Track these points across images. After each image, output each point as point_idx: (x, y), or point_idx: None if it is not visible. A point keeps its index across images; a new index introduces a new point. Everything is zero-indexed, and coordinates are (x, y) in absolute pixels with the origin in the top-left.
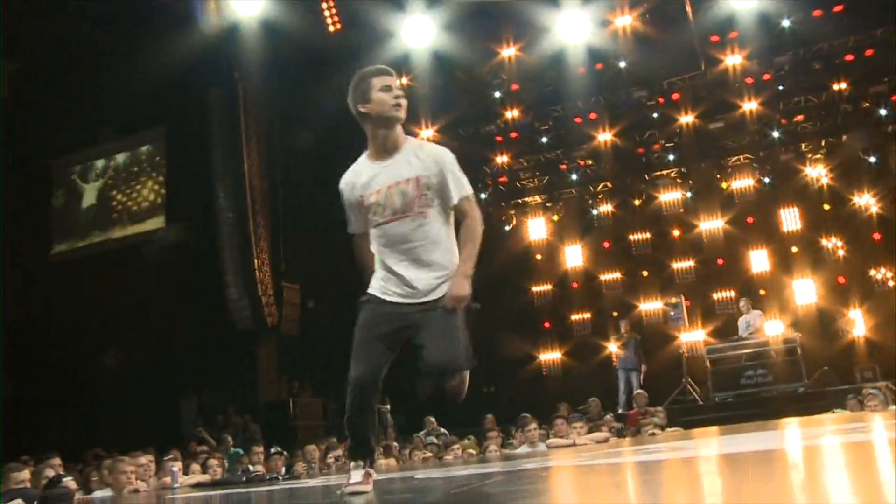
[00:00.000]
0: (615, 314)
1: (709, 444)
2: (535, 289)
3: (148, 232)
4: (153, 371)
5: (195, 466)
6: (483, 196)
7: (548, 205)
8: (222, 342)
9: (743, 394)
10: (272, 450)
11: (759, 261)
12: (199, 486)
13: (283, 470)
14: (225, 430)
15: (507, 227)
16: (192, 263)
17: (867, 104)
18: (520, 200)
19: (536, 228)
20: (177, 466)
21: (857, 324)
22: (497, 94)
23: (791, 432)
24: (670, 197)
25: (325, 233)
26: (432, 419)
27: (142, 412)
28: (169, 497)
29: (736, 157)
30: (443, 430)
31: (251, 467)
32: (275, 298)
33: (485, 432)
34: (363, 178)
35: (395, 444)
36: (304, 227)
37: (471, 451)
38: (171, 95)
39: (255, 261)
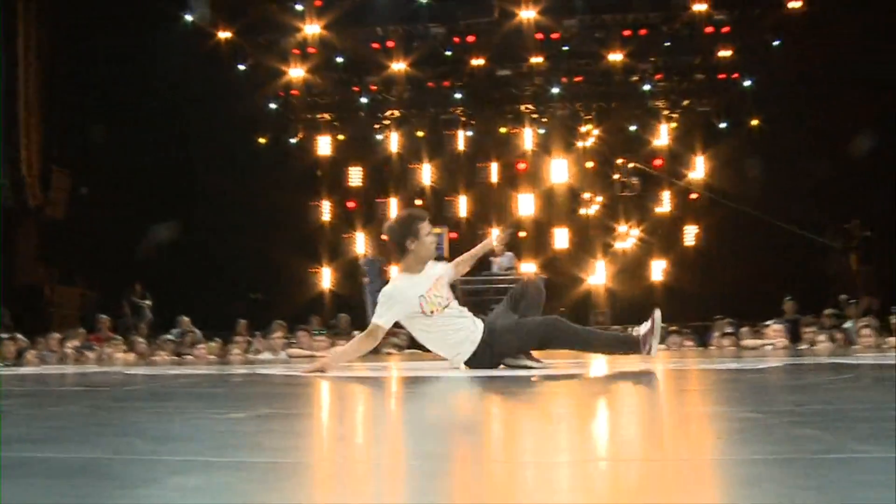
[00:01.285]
0: (385, 238)
1: (397, 367)
2: (316, 204)
3: None
4: None
5: None
6: (273, 106)
7: (335, 124)
8: None
9: None
10: (4, 335)
11: (525, 205)
12: None
13: (15, 356)
14: None
15: (292, 140)
16: None
17: (636, 78)
18: (309, 116)
19: (323, 145)
20: None
21: (599, 272)
22: (299, 7)
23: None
24: (453, 133)
25: (107, 123)
26: (186, 318)
27: None
28: None
29: (517, 106)
30: (196, 330)
31: None
32: (42, 180)
33: (233, 336)
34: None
35: (141, 339)
36: (81, 113)
37: (210, 355)
38: None
39: (23, 139)
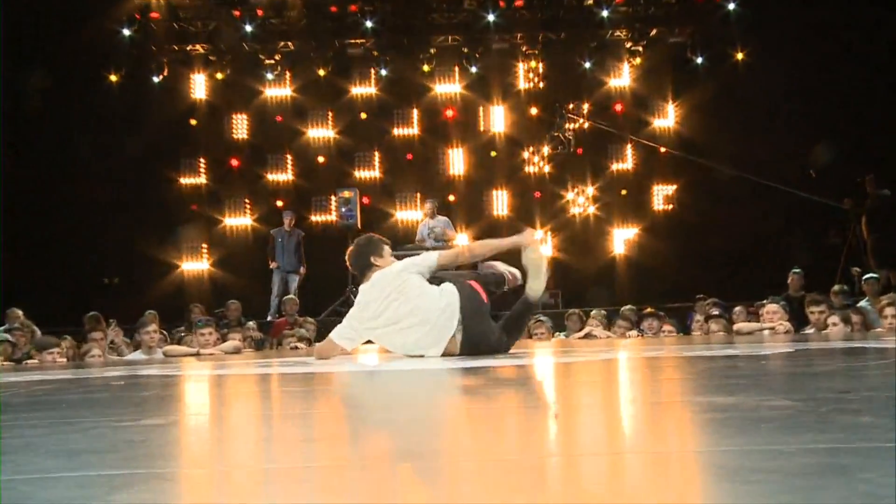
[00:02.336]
0: (280, 204)
1: (344, 362)
2: (185, 168)
3: None
4: None
5: None
6: (127, 33)
7: (212, 58)
8: None
9: None
10: None
11: (455, 162)
12: None
13: None
14: None
15: (156, 79)
16: None
17: (590, 1)
18: (176, 48)
19: (197, 86)
20: None
21: (547, 243)
22: None
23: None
24: (362, 72)
25: None
26: (17, 311)
27: None
28: None
29: (444, 37)
30: (35, 328)
31: None
32: None
33: (86, 332)
34: None
35: None
36: None
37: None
38: None
39: None
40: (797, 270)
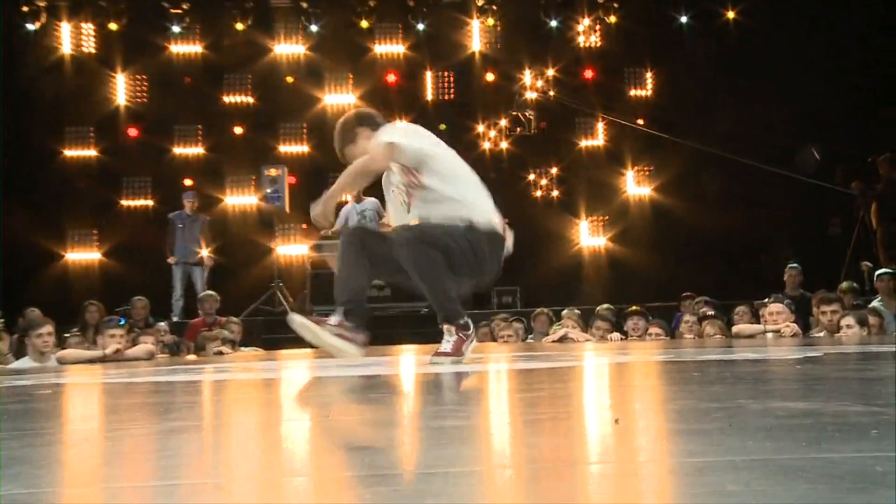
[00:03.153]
0: (189, 183)
1: (268, 367)
2: (70, 138)
3: None
4: None
5: None
6: None
7: (102, 4)
8: None
9: None
10: None
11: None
12: None
13: None
14: None
15: (30, 27)
16: None
17: None
18: None
19: (84, 39)
20: None
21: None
22: None
23: (382, 363)
24: (288, 27)
25: None
26: None
27: None
28: None
29: None
30: None
31: None
32: None
33: None
34: None
35: None
36: None
37: None
38: None
39: None
40: (794, 265)
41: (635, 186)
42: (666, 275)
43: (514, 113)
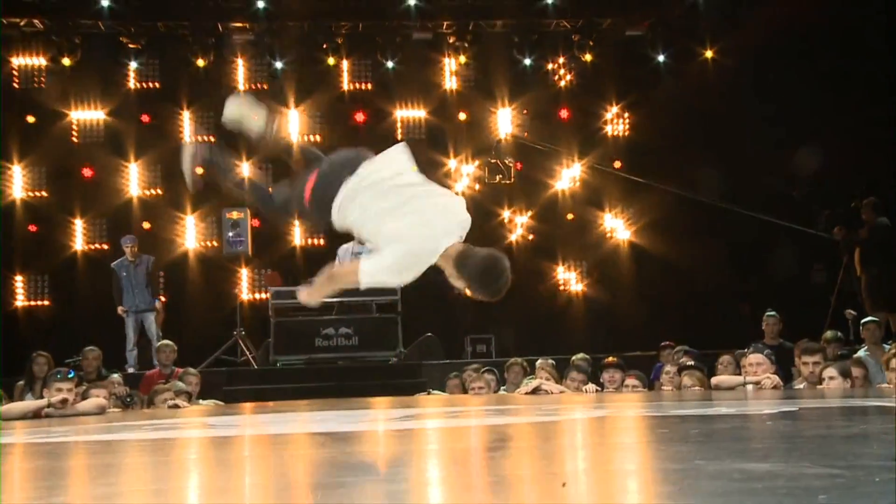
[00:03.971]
0: (147, 227)
1: (233, 422)
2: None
3: None
4: None
5: None
6: None
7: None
8: None
9: (316, 359)
10: None
11: None
12: None
13: None
14: None
15: None
16: None
17: None
18: (5, 21)
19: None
20: None
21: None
22: None
23: (345, 417)
24: (252, 64)
25: None
26: None
27: None
28: None
29: (353, 23)
30: None
31: None
32: None
33: None
34: None
35: None
36: None
37: None
38: None
39: None
40: (772, 314)
41: (614, 230)
42: (644, 323)
43: (493, 160)
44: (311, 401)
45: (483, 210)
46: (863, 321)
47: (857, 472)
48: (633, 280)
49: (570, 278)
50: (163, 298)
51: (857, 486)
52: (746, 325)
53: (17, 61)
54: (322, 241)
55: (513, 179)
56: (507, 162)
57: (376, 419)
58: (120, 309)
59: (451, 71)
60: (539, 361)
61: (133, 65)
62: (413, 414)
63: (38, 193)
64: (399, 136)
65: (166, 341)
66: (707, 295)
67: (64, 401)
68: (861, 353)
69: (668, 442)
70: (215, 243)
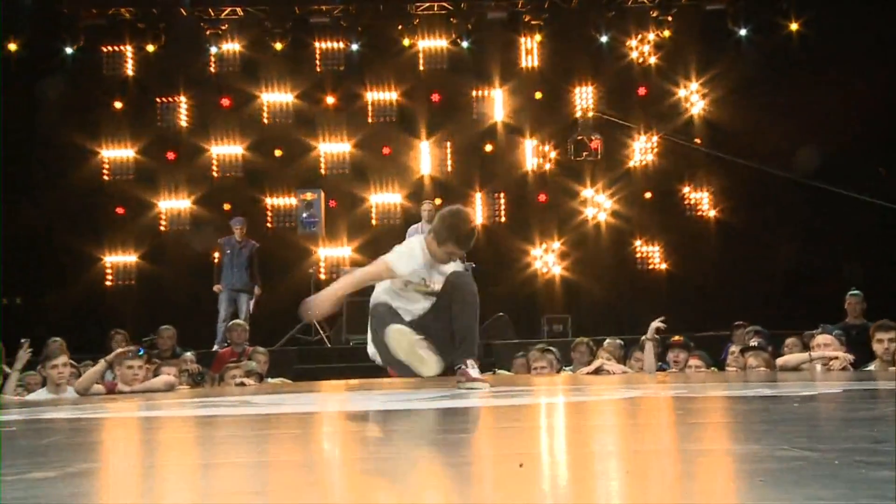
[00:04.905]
0: (227, 208)
1: (284, 400)
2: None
3: None
4: None
5: None
6: None
7: (140, 26)
8: None
9: None
10: None
11: (439, 157)
12: None
13: None
14: None
15: (68, 50)
16: None
17: None
18: (95, 11)
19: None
20: None
21: (551, 261)
22: None
23: (406, 397)
24: (328, 47)
25: None
26: None
27: None
28: None
29: (428, 4)
30: None
31: None
32: None
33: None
34: None
35: None
36: None
37: None
38: None
39: None
40: (855, 292)
41: (692, 208)
42: (721, 303)
43: (580, 137)
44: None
45: (562, 188)
46: None
47: (828, 455)
48: (717, 258)
49: (652, 254)
50: (260, 285)
51: (811, 468)
52: (830, 304)
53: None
54: (397, 221)
55: (599, 157)
56: (594, 138)
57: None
58: (216, 287)
59: (526, 50)
60: (606, 342)
61: (212, 49)
62: (449, 394)
63: (126, 177)
64: (474, 115)
65: (239, 320)
66: (788, 273)
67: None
68: None
69: (671, 424)
70: (287, 224)
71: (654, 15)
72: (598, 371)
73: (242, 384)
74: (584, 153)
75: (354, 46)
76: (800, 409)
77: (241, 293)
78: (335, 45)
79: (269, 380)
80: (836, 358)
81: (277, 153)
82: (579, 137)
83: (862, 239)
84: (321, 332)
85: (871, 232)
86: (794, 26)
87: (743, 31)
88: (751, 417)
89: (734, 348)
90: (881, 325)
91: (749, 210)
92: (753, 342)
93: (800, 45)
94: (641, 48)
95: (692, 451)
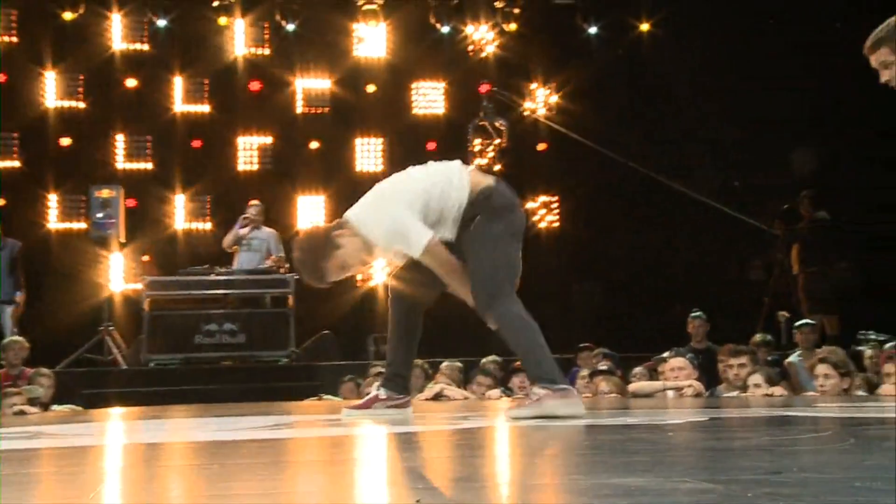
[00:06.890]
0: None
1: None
2: None
3: None
4: None
5: None
6: None
7: None
8: None
9: (194, 359)
10: None
11: (255, 151)
12: None
13: None
14: None
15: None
16: None
17: None
18: None
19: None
20: None
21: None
22: None
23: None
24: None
25: None
26: None
27: None
28: None
29: None
30: None
31: None
32: None
33: None
34: None
35: None
36: None
37: None
38: None
39: None
40: (697, 314)
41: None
42: (564, 323)
43: (481, 123)
44: (185, 406)
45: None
46: (797, 324)
47: (732, 486)
48: (554, 274)
49: None
50: (23, 291)
51: (725, 501)
52: (678, 326)
53: None
54: (208, 226)
55: (505, 143)
56: (497, 124)
57: (238, 428)
58: None
59: (358, 38)
60: (443, 365)
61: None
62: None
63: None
64: (300, 110)
65: (15, 338)
66: (631, 292)
67: None
68: (793, 357)
69: (545, 455)
70: (83, 224)
71: (501, 6)
72: (437, 397)
73: (22, 412)
74: (493, 139)
75: (161, 22)
76: (676, 439)
77: (2, 305)
78: (140, 22)
79: (56, 407)
80: (690, 385)
81: (65, 141)
82: (480, 122)
83: (707, 253)
84: (115, 350)
85: (717, 246)
86: (644, 26)
87: (593, 30)
88: (629, 447)
89: (584, 372)
90: (732, 350)
91: (589, 219)
92: (602, 366)
93: (651, 45)
94: (484, 43)
95: (586, 485)
